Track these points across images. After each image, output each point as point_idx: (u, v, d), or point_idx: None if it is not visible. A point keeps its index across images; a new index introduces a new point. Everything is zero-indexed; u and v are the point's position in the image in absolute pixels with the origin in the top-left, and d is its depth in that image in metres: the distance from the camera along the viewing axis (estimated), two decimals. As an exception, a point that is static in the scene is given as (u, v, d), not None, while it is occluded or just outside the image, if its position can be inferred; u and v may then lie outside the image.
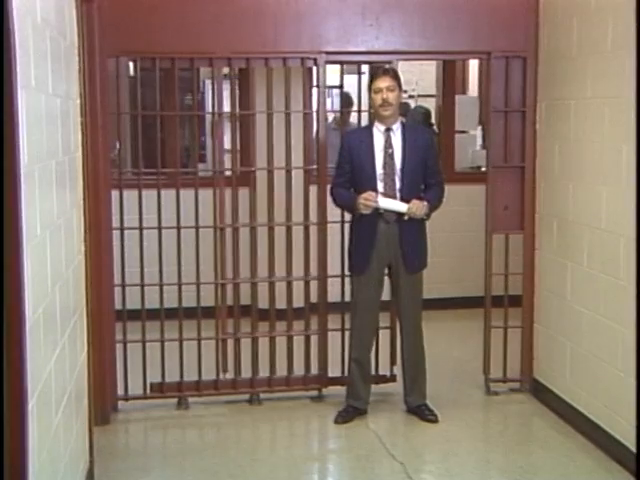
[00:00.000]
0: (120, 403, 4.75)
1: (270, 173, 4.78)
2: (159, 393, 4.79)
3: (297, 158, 4.82)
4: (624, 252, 3.87)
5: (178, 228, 4.71)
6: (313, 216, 4.82)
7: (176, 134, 5.45)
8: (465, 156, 7.64)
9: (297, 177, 4.82)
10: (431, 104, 8.47)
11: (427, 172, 4.44)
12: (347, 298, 4.76)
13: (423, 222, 4.45)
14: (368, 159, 4.38)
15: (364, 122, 5.16)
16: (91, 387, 3.83)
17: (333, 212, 4.78)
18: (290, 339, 4.89)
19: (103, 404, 4.46)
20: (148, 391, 4.78)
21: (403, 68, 4.89)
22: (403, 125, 4.47)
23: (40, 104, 2.73)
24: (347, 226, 4.68)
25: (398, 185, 4.36)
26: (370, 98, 4.42)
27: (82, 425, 3.61)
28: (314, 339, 4.89)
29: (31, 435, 2.38)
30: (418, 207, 4.31)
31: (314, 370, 4.91)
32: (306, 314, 4.89)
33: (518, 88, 4.81)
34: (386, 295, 4.62)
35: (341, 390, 4.71)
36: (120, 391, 4.75)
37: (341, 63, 4.85)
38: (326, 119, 4.82)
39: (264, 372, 4.87)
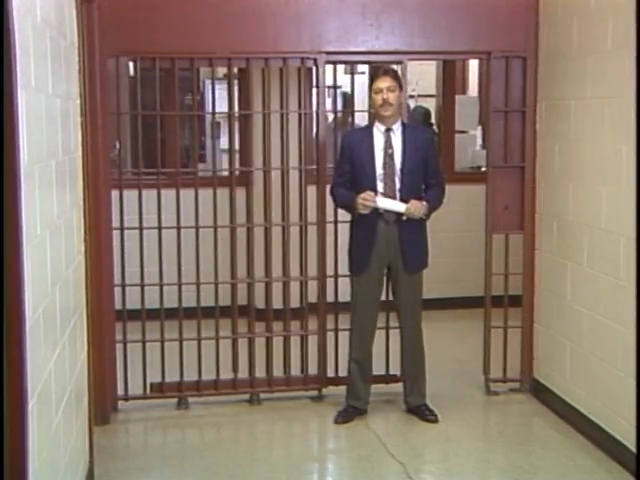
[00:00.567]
0: (120, 403, 4.75)
1: (268, 173, 4.78)
2: (159, 393, 4.79)
3: (297, 158, 4.82)
4: (624, 252, 3.87)
5: (178, 228, 4.71)
6: (312, 216, 4.81)
7: (176, 134, 5.44)
8: (465, 156, 7.63)
9: (297, 177, 4.82)
10: (431, 104, 8.46)
11: (427, 172, 4.44)
12: (342, 298, 4.78)
13: (423, 222, 4.44)
14: (368, 159, 4.37)
15: (358, 122, 5.18)
16: (91, 387, 3.83)
17: (329, 212, 4.78)
18: (287, 339, 4.89)
19: (103, 404, 4.46)
20: (148, 391, 4.78)
21: (403, 68, 4.89)
22: (404, 125, 4.47)
23: (40, 104, 2.73)
24: (341, 226, 4.69)
25: (398, 185, 4.36)
26: (370, 98, 4.43)
27: (82, 425, 3.61)
28: (313, 339, 4.88)
29: (31, 435, 2.38)
30: (416, 207, 4.31)
31: (313, 370, 4.91)
32: (305, 314, 4.88)
33: (518, 88, 4.81)
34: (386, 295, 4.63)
35: (341, 390, 4.71)
36: (120, 391, 4.75)
37: (340, 63, 4.85)
38: (326, 119, 4.82)
39: (265, 373, 4.87)
